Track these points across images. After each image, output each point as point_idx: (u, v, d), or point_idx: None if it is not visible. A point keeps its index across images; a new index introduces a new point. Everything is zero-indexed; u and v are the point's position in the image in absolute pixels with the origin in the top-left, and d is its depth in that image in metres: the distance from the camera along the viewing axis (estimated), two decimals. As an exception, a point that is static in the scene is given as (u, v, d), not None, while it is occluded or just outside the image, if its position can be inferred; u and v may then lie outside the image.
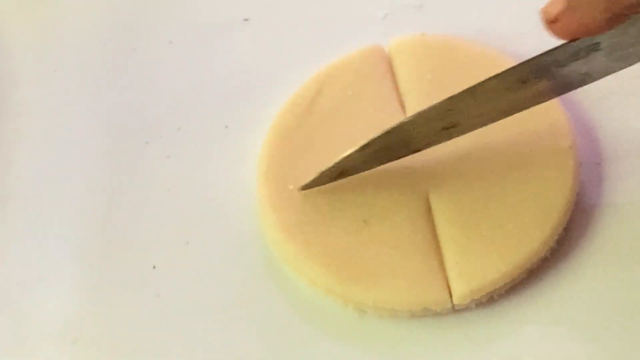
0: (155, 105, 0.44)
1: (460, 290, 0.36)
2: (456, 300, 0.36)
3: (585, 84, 0.35)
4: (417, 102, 0.40)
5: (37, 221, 0.41)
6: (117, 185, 0.41)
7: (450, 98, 0.34)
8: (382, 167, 0.38)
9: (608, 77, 0.35)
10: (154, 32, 0.46)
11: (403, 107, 0.41)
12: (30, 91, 0.45)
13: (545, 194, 0.37)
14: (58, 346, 0.38)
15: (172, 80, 0.44)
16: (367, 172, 0.38)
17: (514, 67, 0.34)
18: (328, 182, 0.38)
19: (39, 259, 0.40)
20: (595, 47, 0.33)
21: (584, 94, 0.40)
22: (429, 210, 0.38)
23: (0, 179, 0.42)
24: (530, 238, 0.36)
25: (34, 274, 0.40)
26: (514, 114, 0.36)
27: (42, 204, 0.41)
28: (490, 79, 0.34)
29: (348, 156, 0.37)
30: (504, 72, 0.34)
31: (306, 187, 0.38)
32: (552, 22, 0.32)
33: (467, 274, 0.36)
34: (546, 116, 0.39)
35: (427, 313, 0.36)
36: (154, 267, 0.39)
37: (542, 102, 0.36)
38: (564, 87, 0.35)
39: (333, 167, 0.38)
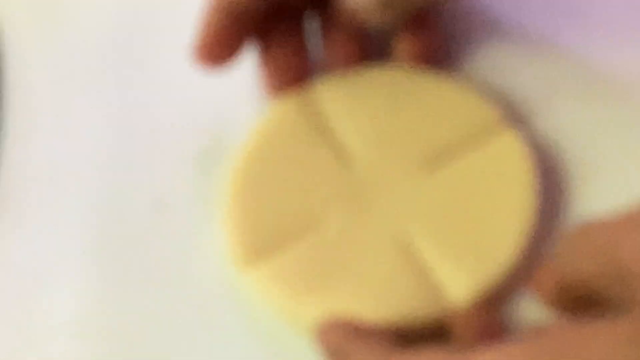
0: (158, 105, 0.44)
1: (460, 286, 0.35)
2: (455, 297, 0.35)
3: None
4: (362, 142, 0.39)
5: (42, 219, 0.41)
6: (118, 185, 0.42)
7: None
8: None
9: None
10: (157, 32, 0.46)
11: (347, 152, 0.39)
12: (33, 92, 0.45)
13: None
14: (62, 343, 0.38)
15: (173, 80, 0.44)
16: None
17: None
18: None
19: (42, 258, 0.40)
20: None
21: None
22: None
23: (9, 178, 0.43)
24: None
25: (39, 271, 0.40)
26: None
27: (47, 202, 0.42)
28: None
29: None
30: None
31: None
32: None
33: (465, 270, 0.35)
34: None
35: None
36: (154, 268, 0.39)
37: None
38: None
39: None
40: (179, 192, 0.41)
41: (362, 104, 0.40)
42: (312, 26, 0.42)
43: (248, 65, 0.42)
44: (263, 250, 0.37)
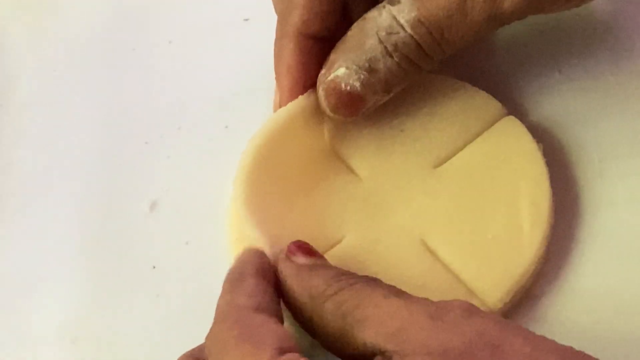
0: (155, 105, 0.44)
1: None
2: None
3: None
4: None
5: (37, 221, 0.41)
6: (117, 185, 0.41)
7: None
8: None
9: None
10: (154, 32, 0.46)
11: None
12: (30, 91, 0.45)
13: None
14: (57, 346, 0.38)
15: (172, 80, 0.44)
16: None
17: None
18: None
19: (38, 259, 0.40)
20: None
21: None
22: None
23: (-1, 179, 0.43)
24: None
25: (34, 273, 0.40)
26: None
27: (42, 203, 0.42)
28: None
29: None
30: None
31: None
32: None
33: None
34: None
35: None
36: (154, 267, 0.39)
37: None
38: None
39: None
40: (174, 193, 0.41)
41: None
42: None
43: (246, 62, 0.43)
44: None
